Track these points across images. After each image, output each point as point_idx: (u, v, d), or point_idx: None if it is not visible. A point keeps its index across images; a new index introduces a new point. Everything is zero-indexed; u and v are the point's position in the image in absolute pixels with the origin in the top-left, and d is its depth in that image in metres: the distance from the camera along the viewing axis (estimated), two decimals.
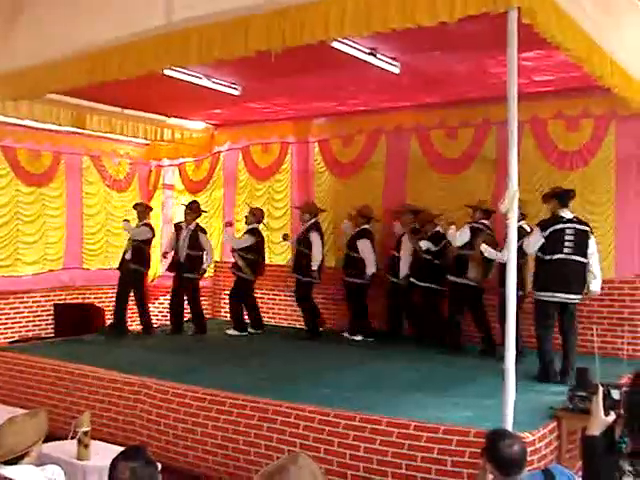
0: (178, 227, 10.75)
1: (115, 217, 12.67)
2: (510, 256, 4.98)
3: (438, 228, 9.40)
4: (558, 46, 5.52)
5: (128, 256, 10.51)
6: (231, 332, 10.40)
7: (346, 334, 9.84)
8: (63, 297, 11.78)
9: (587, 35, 5.82)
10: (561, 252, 7.23)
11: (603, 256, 8.65)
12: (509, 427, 4.70)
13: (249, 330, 10.53)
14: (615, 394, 5.06)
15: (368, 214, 9.96)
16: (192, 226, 10.57)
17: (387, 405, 6.07)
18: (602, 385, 3.43)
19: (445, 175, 10.17)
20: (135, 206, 11.12)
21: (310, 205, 10.42)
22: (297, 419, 5.90)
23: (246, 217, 10.67)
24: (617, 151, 8.94)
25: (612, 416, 3.19)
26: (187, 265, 10.47)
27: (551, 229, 7.28)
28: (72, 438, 5.43)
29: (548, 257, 7.24)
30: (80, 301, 11.96)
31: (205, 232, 10.80)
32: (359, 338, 9.70)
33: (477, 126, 9.87)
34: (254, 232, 10.50)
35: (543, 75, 8.28)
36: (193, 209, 10.66)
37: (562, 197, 7.48)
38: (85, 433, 5.39)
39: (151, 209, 11.38)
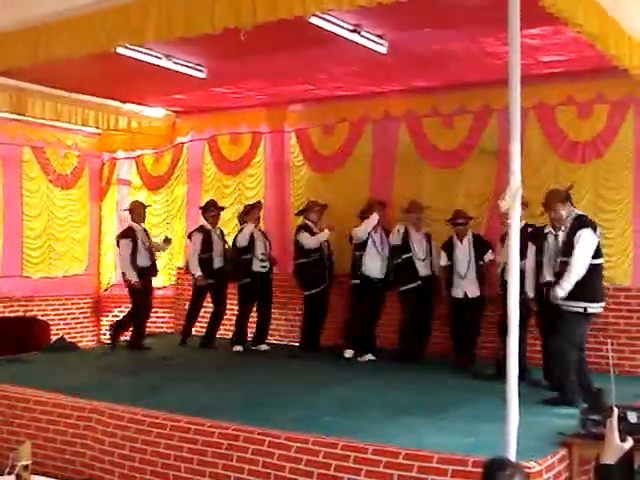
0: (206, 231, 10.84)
1: (59, 218, 12.60)
2: (512, 262, 4.98)
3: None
4: (567, 21, 5.56)
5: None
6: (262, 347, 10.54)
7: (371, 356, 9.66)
8: (1, 310, 11.69)
9: (600, 8, 5.86)
10: (602, 254, 7.35)
11: (620, 261, 8.74)
12: (512, 455, 4.71)
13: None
14: (632, 417, 5.12)
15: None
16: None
17: (373, 430, 6.06)
18: (618, 407, 3.45)
19: (439, 169, 10.22)
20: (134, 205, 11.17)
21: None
22: (271, 447, 5.87)
23: (240, 216, 10.86)
24: (636, 141, 9.01)
25: (629, 442, 3.20)
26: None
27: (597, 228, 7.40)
28: (9, 473, 5.37)
29: (598, 261, 7.26)
30: (21, 314, 11.87)
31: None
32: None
33: (476, 113, 9.92)
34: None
35: (550, 55, 8.35)
36: (217, 207, 10.97)
37: (570, 196, 7.55)
38: (25, 467, 5.33)
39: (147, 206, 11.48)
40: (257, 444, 5.94)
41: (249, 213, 10.55)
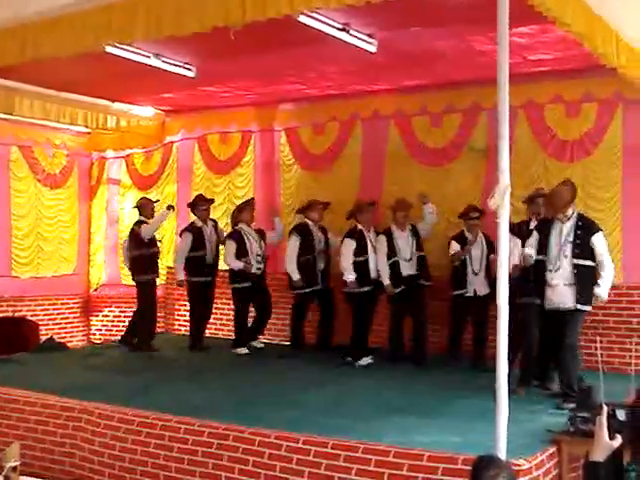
0: (196, 229, 10.64)
1: (48, 218, 12.55)
2: (501, 260, 5.00)
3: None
4: (555, 21, 5.57)
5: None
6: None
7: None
8: None
9: (587, 7, 5.88)
10: None
11: None
12: (502, 453, 4.72)
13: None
14: (621, 414, 5.13)
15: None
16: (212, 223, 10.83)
17: (364, 429, 6.06)
18: (607, 405, 3.45)
19: (428, 167, 10.22)
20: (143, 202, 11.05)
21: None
22: (262, 446, 5.88)
23: (232, 215, 10.74)
24: (624, 139, 9.02)
25: (618, 440, 3.20)
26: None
27: None
28: None
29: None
30: (10, 315, 11.83)
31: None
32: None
33: (465, 112, 9.93)
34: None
35: (539, 54, 8.34)
36: (207, 200, 10.85)
37: None
38: (13, 468, 5.30)
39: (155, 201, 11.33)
40: (247, 443, 5.95)
41: (243, 211, 10.46)
